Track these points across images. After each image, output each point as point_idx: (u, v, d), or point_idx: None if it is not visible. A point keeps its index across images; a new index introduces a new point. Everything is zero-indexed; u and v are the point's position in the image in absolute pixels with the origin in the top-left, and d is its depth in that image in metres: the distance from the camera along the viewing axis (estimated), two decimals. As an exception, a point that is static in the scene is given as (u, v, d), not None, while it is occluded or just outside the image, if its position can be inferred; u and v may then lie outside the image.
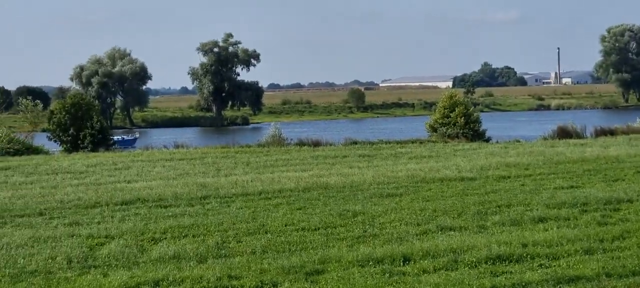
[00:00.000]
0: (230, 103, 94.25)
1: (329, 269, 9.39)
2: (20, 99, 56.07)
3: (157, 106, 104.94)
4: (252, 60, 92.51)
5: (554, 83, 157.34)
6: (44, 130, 42.32)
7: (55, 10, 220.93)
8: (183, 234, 12.34)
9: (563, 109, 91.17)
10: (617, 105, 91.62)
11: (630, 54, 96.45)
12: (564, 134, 36.22)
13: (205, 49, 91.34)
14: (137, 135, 59.82)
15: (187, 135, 58.72)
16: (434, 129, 38.43)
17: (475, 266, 9.36)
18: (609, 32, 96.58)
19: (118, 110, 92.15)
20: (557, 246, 10.40)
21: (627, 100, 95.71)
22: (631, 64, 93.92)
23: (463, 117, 36.92)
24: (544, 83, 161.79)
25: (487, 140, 37.38)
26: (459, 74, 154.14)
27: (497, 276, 8.88)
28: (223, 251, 10.87)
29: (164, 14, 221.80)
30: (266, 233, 12.37)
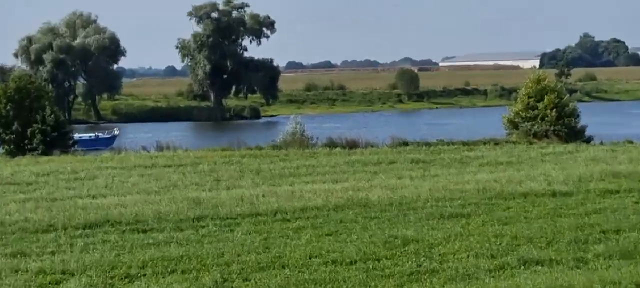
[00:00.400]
0: (234, 88, 73.67)
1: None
2: None
3: (133, 93, 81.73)
4: (265, 30, 72.61)
5: None
6: None
7: None
8: (169, 269, 9.72)
9: None
10: None
11: None
12: None
13: (200, 15, 71.48)
14: (117, 132, 50.26)
15: (175, 132, 49.55)
16: (514, 125, 31.94)
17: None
18: None
19: (79, 98, 72.45)
20: None
21: None
22: None
23: (555, 109, 30.52)
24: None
25: (588, 140, 31.14)
26: (549, 50, 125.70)
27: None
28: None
29: None
30: (283, 268, 9.77)
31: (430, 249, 10.23)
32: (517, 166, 21.96)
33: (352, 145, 27.70)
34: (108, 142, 43.33)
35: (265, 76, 71.61)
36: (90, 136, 43.87)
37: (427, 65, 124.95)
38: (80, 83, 71.40)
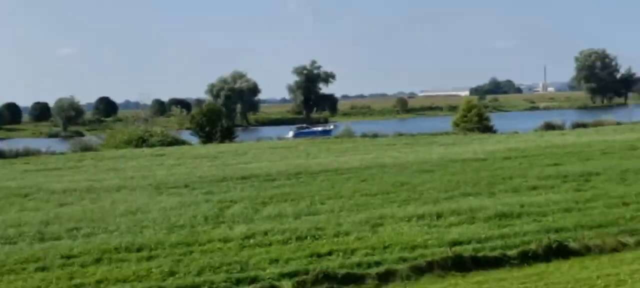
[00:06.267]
0: (315, 109, 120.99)
1: (385, 223, 13.91)
2: (172, 107, 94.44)
3: (264, 111, 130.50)
4: (330, 79, 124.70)
5: (542, 91, 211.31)
6: (187, 129, 58.04)
7: (194, 42, 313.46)
8: (284, 199, 17.31)
9: (548, 110, 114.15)
10: (587, 106, 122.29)
11: (596, 69, 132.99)
12: (549, 127, 48.03)
13: (297, 71, 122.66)
14: (332, 127, 69.82)
15: (284, 131, 66.65)
16: (456, 125, 50.90)
17: (487, 221, 13.78)
18: (580, 54, 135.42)
19: (238, 114, 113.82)
20: (545, 206, 14.95)
21: (594, 102, 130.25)
22: (597, 77, 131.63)
23: (477, 116, 50.20)
24: (534, 91, 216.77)
25: (494, 132, 48.62)
26: (473, 86, 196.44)
27: (503, 228, 13.16)
28: (312, 210, 15.68)
29: (267, 47, 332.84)
30: (341, 198, 17.39)
31: (415, 188, 18.38)
32: (458, 146, 32.71)
33: (374, 135, 44.37)
34: (329, 132, 60.99)
35: (330, 102, 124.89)
36: (315, 129, 67.75)
37: (412, 94, 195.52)
38: (238, 106, 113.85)
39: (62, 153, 40.25)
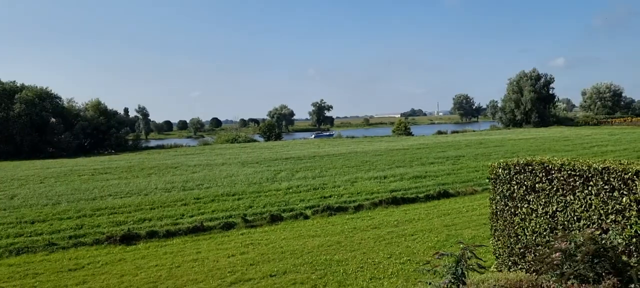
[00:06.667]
0: (322, 123, 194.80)
1: (358, 181, 26.63)
2: (250, 122, 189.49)
3: (297, 124, 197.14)
4: (330, 108, 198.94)
5: (436, 115, 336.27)
6: (257, 133, 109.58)
7: (262, 87, 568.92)
8: (306, 169, 29.96)
9: (439, 124, 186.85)
10: (458, 123, 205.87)
11: (463, 104, 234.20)
12: (439, 133, 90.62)
13: (314, 104, 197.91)
14: (332, 133, 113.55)
15: (308, 135, 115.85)
16: (393, 132, 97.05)
17: (409, 179, 26.57)
18: (455, 96, 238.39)
19: (283, 126, 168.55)
20: (437, 172, 27.70)
21: (462, 121, 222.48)
22: (463, 107, 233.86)
23: (404, 127, 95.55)
24: (432, 114, 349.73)
25: (412, 135, 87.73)
26: (402, 111, 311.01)
27: (417, 183, 26.15)
28: (320, 175, 28.47)
29: (298, 91, 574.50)
30: (335, 168, 30.04)
31: (372, 163, 31.12)
32: (394, 143, 46.88)
33: (352, 137, 66.73)
34: (329, 136, 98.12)
35: (331, 120, 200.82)
36: (324, 134, 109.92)
37: (371, 116, 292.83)
38: (283, 122, 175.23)
39: (193, 146, 75.67)
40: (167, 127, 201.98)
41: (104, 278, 13.39)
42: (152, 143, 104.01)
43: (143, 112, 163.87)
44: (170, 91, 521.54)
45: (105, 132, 78.99)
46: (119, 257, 15.50)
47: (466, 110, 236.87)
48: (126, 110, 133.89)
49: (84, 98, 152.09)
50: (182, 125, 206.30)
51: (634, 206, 8.01)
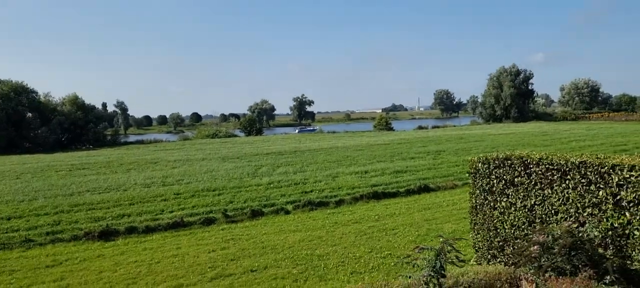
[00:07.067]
0: (304, 118, 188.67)
1: (339, 176, 26.66)
2: (231, 117, 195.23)
3: (278, 119, 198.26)
4: (311, 103, 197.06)
5: (417, 110, 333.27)
6: (238, 128, 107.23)
7: (242, 81, 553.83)
8: (288, 164, 29.87)
9: (420, 119, 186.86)
10: (439, 118, 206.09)
11: (443, 99, 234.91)
12: (420, 128, 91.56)
13: (295, 99, 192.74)
14: (315, 129, 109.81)
15: (290, 130, 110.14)
16: (375, 127, 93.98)
17: (390, 174, 26.65)
18: (436, 91, 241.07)
19: (264, 121, 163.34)
20: (418, 167, 27.84)
21: (443, 116, 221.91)
22: (444, 103, 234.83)
23: (385, 123, 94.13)
24: (413, 110, 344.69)
25: (393, 130, 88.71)
26: (384, 107, 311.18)
27: (398, 177, 26.24)
28: (302, 170, 28.39)
29: (279, 86, 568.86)
30: (317, 163, 30.01)
31: (353, 158, 31.19)
32: (375, 138, 47.47)
33: (333, 132, 69.38)
34: (311, 131, 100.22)
35: (312, 115, 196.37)
36: (307, 129, 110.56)
37: (352, 112, 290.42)
38: (264, 117, 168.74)
39: (173, 141, 74.39)
40: (146, 122, 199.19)
41: (82, 275, 13.21)
42: (131, 138, 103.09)
43: (122, 106, 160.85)
44: (149, 86, 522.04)
45: (83, 127, 77.93)
46: (98, 253, 15.30)
47: (447, 105, 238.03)
48: (104, 105, 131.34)
49: (61, 93, 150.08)
50: (162, 120, 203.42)
51: (610, 199, 8.13)
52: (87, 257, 14.98)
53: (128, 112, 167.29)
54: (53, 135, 73.37)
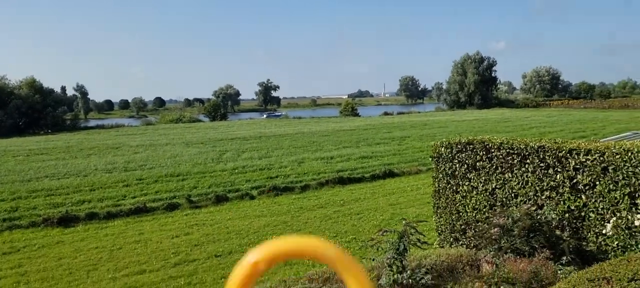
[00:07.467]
0: (269, 104, 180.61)
1: (305, 161, 26.66)
2: (195, 101, 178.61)
3: (242, 105, 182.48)
4: (277, 88, 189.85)
5: (382, 96, 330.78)
6: (203, 113, 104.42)
7: (206, 66, 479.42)
8: (252, 150, 29.67)
9: (386, 105, 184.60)
10: (404, 104, 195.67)
11: (409, 85, 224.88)
12: (386, 114, 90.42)
13: (260, 84, 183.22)
14: (281, 114, 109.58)
15: (255, 116, 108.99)
16: (341, 113, 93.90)
17: (356, 160, 26.80)
18: (402, 77, 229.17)
19: (229, 106, 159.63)
20: (383, 153, 28.05)
21: (408, 102, 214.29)
22: (409, 89, 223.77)
23: (351, 108, 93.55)
24: (378, 96, 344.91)
25: (359, 116, 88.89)
26: (350, 92, 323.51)
27: (363, 163, 26.39)
28: (267, 155, 28.28)
29: (246, 72, 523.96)
30: (282, 149, 29.89)
31: (320, 144, 31.26)
32: (340, 124, 47.61)
33: (299, 117, 68.44)
34: (278, 116, 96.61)
35: (278, 100, 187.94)
36: (274, 114, 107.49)
37: (318, 97, 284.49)
38: (229, 102, 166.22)
39: (136, 126, 71.85)
40: (107, 106, 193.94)
41: (41, 262, 12.88)
42: (92, 123, 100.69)
43: (82, 90, 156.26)
44: (110, 69, 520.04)
45: (41, 111, 75.72)
46: (57, 240, 14.94)
47: (412, 91, 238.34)
48: (63, 89, 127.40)
49: (18, 76, 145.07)
50: (124, 104, 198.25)
51: (567, 183, 8.35)
52: (46, 243, 14.61)
53: (88, 96, 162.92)
54: (9, 120, 71.09)
